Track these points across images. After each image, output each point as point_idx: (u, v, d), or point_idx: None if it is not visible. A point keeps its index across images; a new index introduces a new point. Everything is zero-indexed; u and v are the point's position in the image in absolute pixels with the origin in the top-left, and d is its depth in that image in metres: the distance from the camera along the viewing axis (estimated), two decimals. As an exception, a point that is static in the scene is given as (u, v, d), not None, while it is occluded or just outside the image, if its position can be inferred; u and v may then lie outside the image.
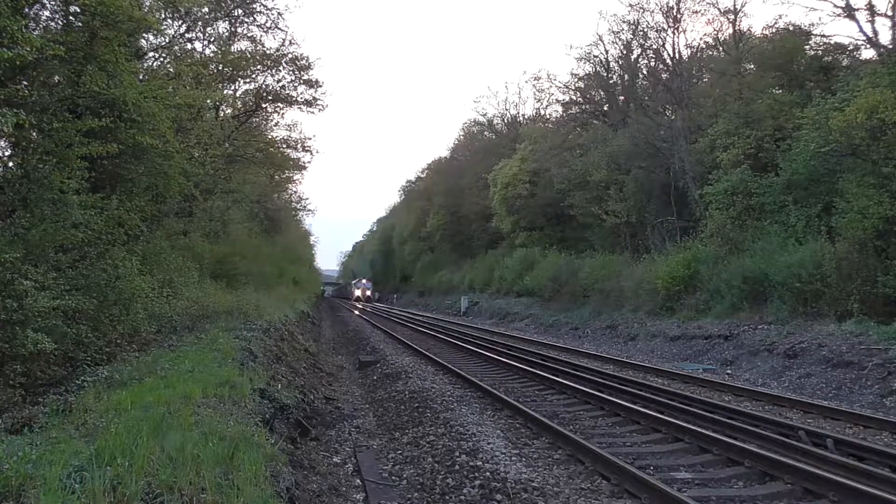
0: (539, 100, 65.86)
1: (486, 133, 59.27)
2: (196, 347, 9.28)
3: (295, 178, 36.84)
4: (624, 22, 34.25)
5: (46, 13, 11.00)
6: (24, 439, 4.49)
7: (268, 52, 21.81)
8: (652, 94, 34.16)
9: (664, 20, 30.91)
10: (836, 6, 19.98)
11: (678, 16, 30.20)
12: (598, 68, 37.65)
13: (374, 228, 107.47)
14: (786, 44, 22.56)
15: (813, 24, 24.98)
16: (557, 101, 44.00)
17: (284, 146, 27.50)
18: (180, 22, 18.20)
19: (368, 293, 74.44)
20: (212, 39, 21.26)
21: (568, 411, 9.35)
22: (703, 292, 19.95)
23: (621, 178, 29.35)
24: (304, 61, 22.21)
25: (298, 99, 22.95)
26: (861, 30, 20.28)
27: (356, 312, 43.63)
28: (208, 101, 19.24)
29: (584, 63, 37.90)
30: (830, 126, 16.10)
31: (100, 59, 9.93)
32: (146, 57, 16.19)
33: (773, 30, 24.71)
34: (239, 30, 21.82)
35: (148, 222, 12.88)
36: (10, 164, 8.91)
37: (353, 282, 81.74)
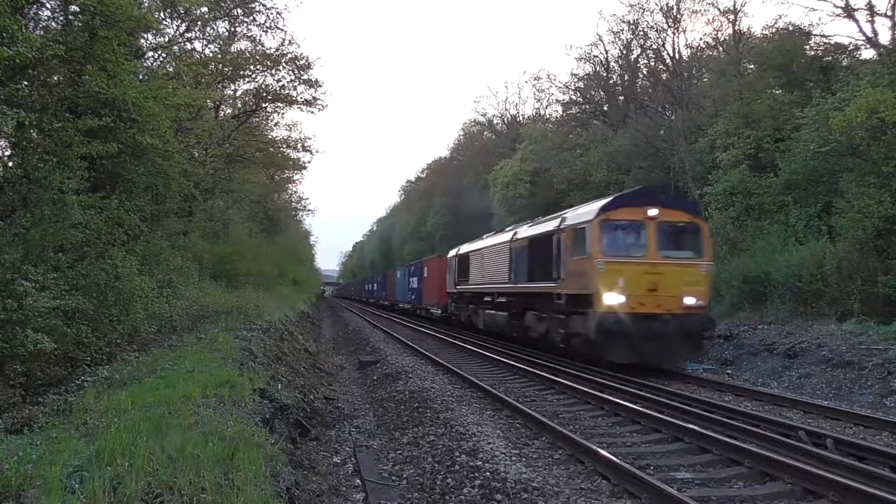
0: (539, 100, 65.63)
1: (486, 133, 59.08)
2: (196, 347, 9.28)
3: (295, 178, 36.79)
4: (624, 22, 34.13)
5: (46, 13, 11.02)
6: (24, 439, 4.49)
7: (268, 51, 21.82)
8: (652, 94, 34.12)
9: (664, 20, 30.88)
10: (836, 6, 19.99)
11: (678, 16, 30.18)
12: (597, 68, 37.59)
13: (374, 228, 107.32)
14: (786, 44, 22.49)
15: (813, 25, 24.85)
16: (557, 101, 43.91)
17: (284, 146, 27.51)
18: (180, 21, 18.23)
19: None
20: (211, 39, 21.33)
21: (568, 411, 9.35)
22: (702, 292, 19.92)
23: (621, 178, 29.29)
24: (303, 61, 22.22)
25: (298, 99, 22.96)
26: (861, 30, 20.31)
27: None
28: (208, 101, 19.25)
29: (584, 63, 37.84)
30: (830, 126, 16.08)
31: (100, 59, 9.93)
32: (146, 57, 16.19)
33: (773, 30, 24.61)
34: (239, 29, 21.87)
35: (148, 222, 12.88)
36: (10, 164, 8.91)
37: (479, 244, 22.72)
